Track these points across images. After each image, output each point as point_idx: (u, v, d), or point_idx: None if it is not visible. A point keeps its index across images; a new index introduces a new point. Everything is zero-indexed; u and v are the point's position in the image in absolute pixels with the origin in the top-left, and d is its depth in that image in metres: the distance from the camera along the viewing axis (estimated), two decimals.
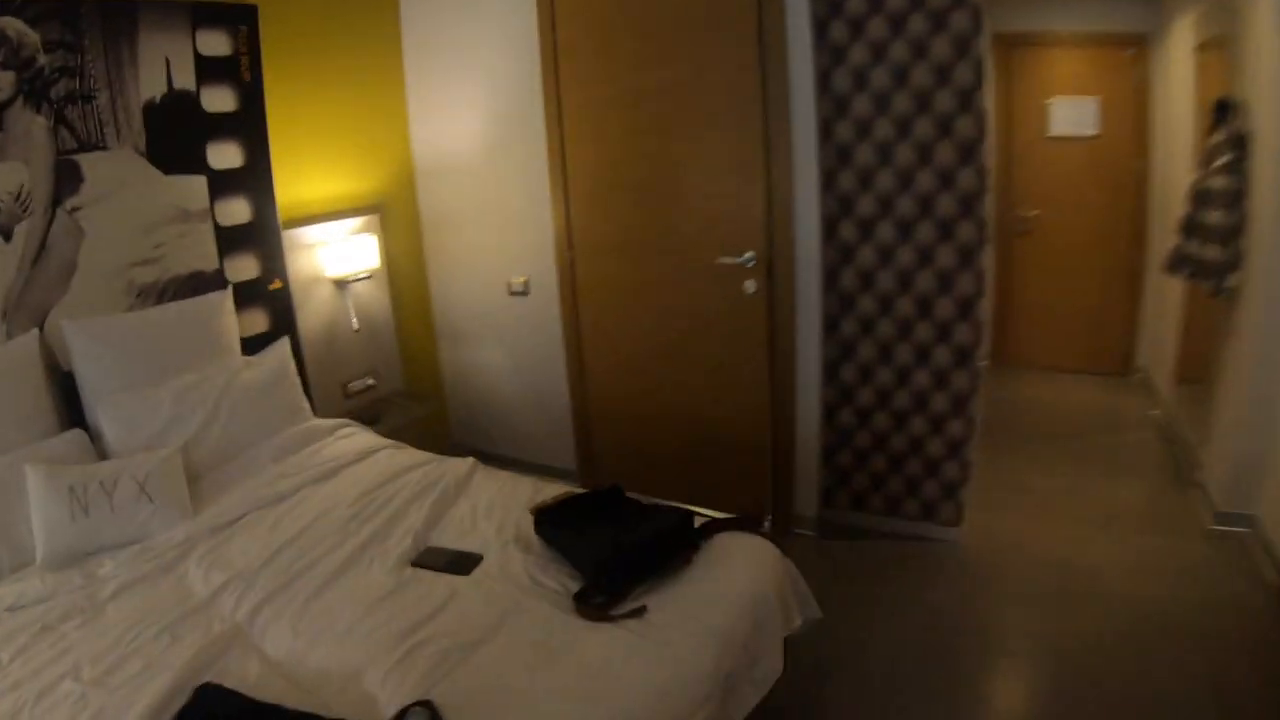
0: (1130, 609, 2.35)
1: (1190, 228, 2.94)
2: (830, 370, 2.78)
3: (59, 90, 2.18)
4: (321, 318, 3.06)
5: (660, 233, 2.83)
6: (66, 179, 2.23)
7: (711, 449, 2.92)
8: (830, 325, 2.73)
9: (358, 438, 2.51)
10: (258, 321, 2.75)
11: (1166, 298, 3.76)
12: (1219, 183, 2.67)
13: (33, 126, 2.14)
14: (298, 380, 2.61)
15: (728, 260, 2.62)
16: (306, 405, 2.60)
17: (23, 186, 2.14)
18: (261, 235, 2.74)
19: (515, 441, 3.55)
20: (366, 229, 3.19)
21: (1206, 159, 2.82)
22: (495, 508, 2.06)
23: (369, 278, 3.16)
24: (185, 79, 2.50)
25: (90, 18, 2.23)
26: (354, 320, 3.11)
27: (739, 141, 2.56)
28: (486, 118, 3.18)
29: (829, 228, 2.64)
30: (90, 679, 1.43)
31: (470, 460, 2.33)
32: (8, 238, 2.12)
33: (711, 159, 2.66)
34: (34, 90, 2.13)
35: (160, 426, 2.20)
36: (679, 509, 1.86)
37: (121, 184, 2.35)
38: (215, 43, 2.57)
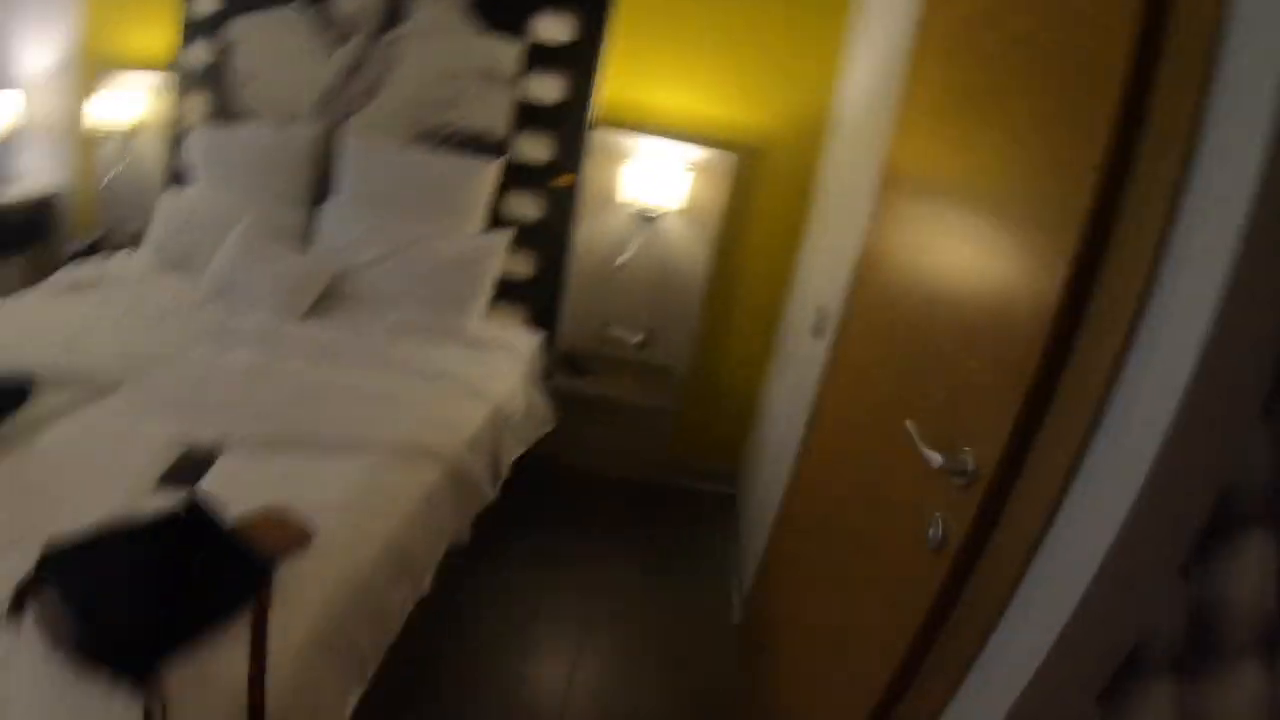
0: None
1: None
2: None
3: None
4: (608, 242, 2.60)
5: (903, 357, 1.41)
6: (394, 13, 2.46)
7: None
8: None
9: (505, 378, 2.16)
10: (527, 206, 2.53)
11: None
12: None
13: None
14: (491, 278, 2.41)
15: (933, 456, 1.14)
16: (481, 306, 2.39)
17: (360, 8, 2.46)
18: (568, 121, 2.44)
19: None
20: (718, 167, 2.50)
21: None
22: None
23: (689, 221, 2.54)
24: None
25: None
26: (625, 256, 2.55)
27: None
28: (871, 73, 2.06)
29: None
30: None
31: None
32: (341, 44, 2.48)
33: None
34: None
35: (355, 248, 2.36)
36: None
37: (438, 30, 2.44)
38: None
